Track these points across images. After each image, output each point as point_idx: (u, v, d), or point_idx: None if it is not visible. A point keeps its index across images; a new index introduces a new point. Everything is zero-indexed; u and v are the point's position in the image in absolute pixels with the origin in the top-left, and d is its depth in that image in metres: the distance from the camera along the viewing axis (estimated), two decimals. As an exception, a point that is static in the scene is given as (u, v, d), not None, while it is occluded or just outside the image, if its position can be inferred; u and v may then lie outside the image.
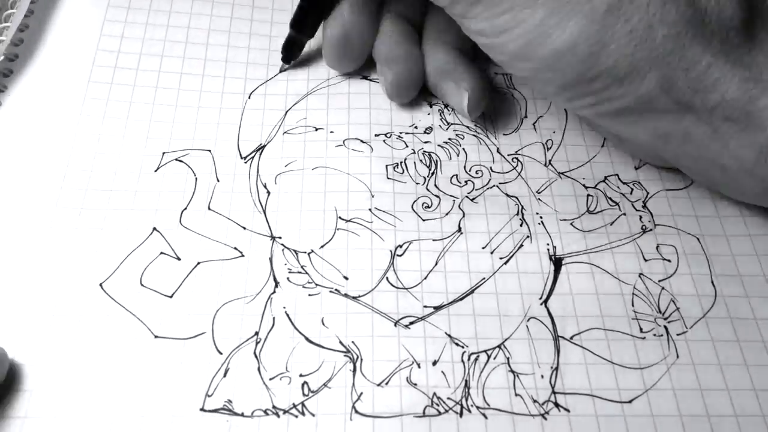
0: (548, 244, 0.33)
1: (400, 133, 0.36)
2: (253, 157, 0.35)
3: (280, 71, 0.39)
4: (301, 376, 0.29)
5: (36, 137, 0.35)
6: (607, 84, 0.29)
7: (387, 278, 0.32)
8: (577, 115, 0.36)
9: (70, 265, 0.31)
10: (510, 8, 0.29)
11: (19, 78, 0.37)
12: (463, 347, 0.30)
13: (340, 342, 0.30)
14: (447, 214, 0.34)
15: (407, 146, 0.36)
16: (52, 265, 0.31)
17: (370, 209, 0.33)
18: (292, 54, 0.38)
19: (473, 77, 0.35)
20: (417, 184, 0.34)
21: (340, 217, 0.33)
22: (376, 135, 0.36)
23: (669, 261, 0.33)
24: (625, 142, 0.35)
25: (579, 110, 0.32)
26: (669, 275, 0.32)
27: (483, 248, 0.33)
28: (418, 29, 0.37)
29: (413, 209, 0.34)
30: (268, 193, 0.34)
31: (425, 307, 0.31)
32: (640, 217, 0.34)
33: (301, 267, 0.32)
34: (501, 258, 0.32)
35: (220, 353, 0.29)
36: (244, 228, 0.33)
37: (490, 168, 0.35)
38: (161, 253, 0.32)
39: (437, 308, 0.31)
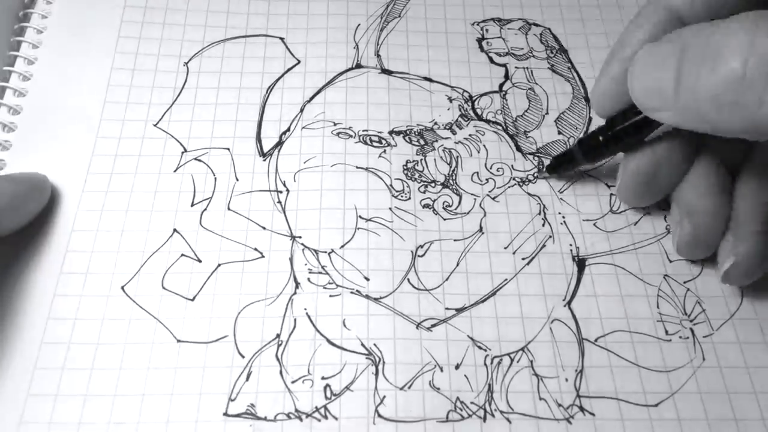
0: (571, 245, 0.32)
1: (420, 129, 0.36)
2: (271, 155, 0.35)
3: (535, 177, 0.35)
4: (323, 378, 0.29)
5: (57, 139, 0.35)
6: None
7: (408, 279, 0.31)
8: None
9: (92, 268, 0.31)
10: None
11: (41, 77, 0.36)
12: (485, 350, 0.30)
13: (362, 344, 0.30)
14: (468, 212, 0.33)
15: (427, 143, 0.35)
16: (73, 268, 0.31)
17: (390, 208, 0.33)
18: (559, 169, 0.34)
19: (754, 246, 0.29)
20: (437, 182, 0.34)
21: (360, 216, 0.33)
22: (395, 131, 0.36)
23: (694, 261, 0.32)
24: None
25: None
26: (694, 276, 0.32)
27: (505, 248, 0.32)
28: (734, 171, 0.31)
29: (434, 208, 0.33)
30: (288, 191, 0.34)
31: (447, 309, 0.31)
32: (665, 216, 0.33)
33: (322, 267, 0.32)
34: (523, 258, 0.32)
35: (242, 356, 0.29)
36: (264, 228, 0.33)
37: (512, 166, 0.35)
38: (182, 254, 0.32)
39: (459, 310, 0.31)
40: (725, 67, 0.23)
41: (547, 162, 0.35)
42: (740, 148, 0.31)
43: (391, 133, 0.36)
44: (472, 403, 0.28)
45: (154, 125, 0.35)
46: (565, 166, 0.34)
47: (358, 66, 0.38)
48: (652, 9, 0.30)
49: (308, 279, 0.31)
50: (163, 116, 0.36)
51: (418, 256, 0.32)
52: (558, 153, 0.34)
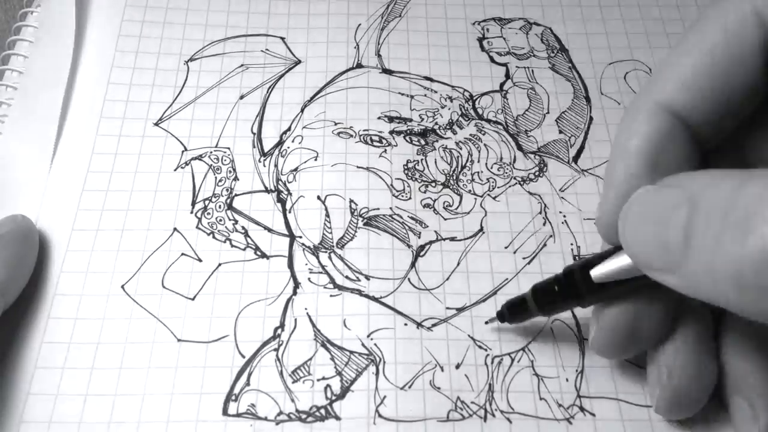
0: (572, 244, 0.32)
1: (421, 128, 0.36)
2: (271, 154, 0.35)
3: (486, 323, 0.30)
4: (323, 378, 0.29)
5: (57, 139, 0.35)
6: None
7: (409, 279, 0.31)
8: None
9: (92, 267, 0.31)
10: None
11: (35, 81, 0.36)
12: (486, 350, 0.30)
13: (363, 344, 0.30)
14: (469, 212, 0.33)
15: (428, 142, 0.35)
16: (73, 267, 0.31)
17: (390, 207, 0.33)
18: (516, 318, 0.29)
19: None
20: (438, 182, 0.34)
21: (360, 216, 0.33)
22: (396, 131, 0.36)
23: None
24: None
25: None
26: (695, 275, 0.32)
27: (506, 248, 0.32)
28: (716, 322, 0.28)
29: (434, 208, 0.33)
30: (288, 191, 0.34)
31: (448, 308, 0.31)
32: (666, 215, 0.33)
33: (322, 267, 0.32)
34: (524, 258, 0.32)
35: (243, 356, 0.29)
36: (264, 228, 0.33)
37: (513, 165, 0.35)
38: (182, 254, 0.32)
39: (460, 310, 0.31)
40: (758, 241, 0.18)
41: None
42: None
43: (391, 132, 0.36)
44: (472, 402, 0.28)
45: (155, 124, 0.35)
46: (518, 315, 0.29)
47: (359, 66, 0.38)
48: (645, 111, 0.25)
49: (308, 279, 0.31)
50: (163, 115, 0.36)
51: (419, 255, 0.32)
52: (512, 299, 0.29)
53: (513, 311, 0.29)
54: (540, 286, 0.28)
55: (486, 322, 0.30)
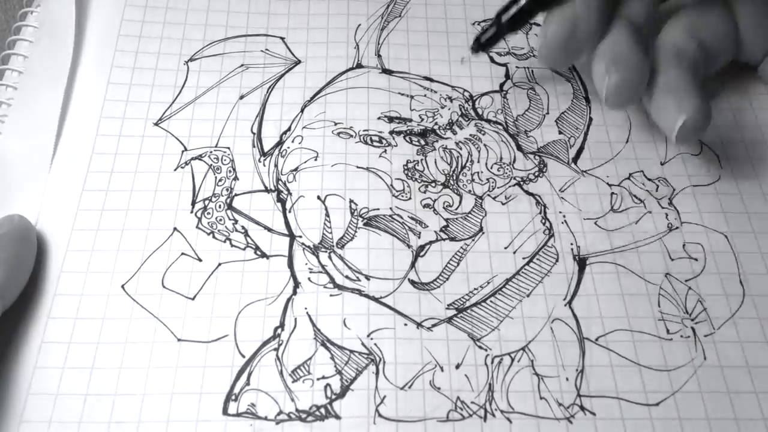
0: (572, 244, 0.32)
1: (421, 129, 0.36)
2: (271, 154, 0.35)
3: (461, 61, 0.37)
4: (323, 378, 0.29)
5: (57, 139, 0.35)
6: None
7: (409, 279, 0.31)
8: None
9: (92, 267, 0.31)
10: None
11: (35, 81, 0.36)
12: (486, 350, 0.30)
13: (363, 344, 0.30)
14: (469, 213, 0.33)
15: (428, 143, 0.35)
16: (73, 267, 0.31)
17: (390, 208, 0.33)
18: (488, 46, 0.36)
19: (698, 105, 0.31)
20: (438, 182, 0.34)
21: (360, 216, 0.33)
22: (396, 131, 0.36)
23: (696, 260, 0.32)
24: None
25: None
26: (696, 274, 0.32)
27: (505, 248, 0.32)
28: (648, 37, 0.34)
29: (434, 208, 0.33)
30: (288, 191, 0.34)
31: (447, 309, 0.31)
32: (666, 214, 0.33)
33: (322, 267, 0.32)
34: (524, 258, 0.32)
35: (243, 356, 0.29)
36: (264, 227, 0.33)
37: (512, 166, 0.35)
38: (182, 253, 0.32)
39: (460, 310, 0.31)
40: None
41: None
42: (653, 15, 0.34)
43: (391, 133, 0.36)
44: (472, 402, 0.28)
45: (155, 124, 0.35)
46: (490, 40, 0.35)
47: (359, 66, 0.38)
48: None
49: (308, 279, 0.31)
50: (163, 115, 0.36)
51: (419, 255, 0.32)
52: (480, 32, 0.35)
53: (489, 40, 0.35)
54: (504, 9, 0.34)
55: (461, 61, 0.36)
